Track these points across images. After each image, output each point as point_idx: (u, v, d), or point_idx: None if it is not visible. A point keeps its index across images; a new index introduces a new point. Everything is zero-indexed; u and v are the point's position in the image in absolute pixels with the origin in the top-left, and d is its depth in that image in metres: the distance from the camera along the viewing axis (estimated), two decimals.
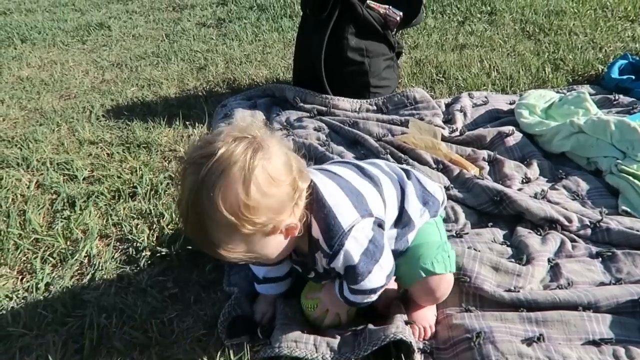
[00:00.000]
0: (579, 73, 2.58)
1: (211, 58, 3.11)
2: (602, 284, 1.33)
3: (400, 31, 2.64)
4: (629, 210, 1.57)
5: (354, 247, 1.05)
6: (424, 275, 1.16)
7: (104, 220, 1.69)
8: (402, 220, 1.18)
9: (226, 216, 0.89)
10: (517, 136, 1.93)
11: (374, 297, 1.15)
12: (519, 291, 1.29)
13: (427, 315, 1.24)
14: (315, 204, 1.04)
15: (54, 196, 1.84)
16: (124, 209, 1.75)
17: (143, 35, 3.73)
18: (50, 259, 1.53)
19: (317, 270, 1.15)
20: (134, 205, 1.76)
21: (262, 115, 2.26)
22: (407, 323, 1.19)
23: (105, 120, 2.41)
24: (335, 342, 1.16)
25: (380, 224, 1.11)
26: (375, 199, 1.12)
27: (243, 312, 1.27)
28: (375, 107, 2.25)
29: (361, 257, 1.06)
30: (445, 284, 1.20)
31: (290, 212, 0.99)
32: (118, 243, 1.60)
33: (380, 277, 1.11)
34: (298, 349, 1.14)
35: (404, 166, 1.40)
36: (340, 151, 1.93)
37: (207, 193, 0.89)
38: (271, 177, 0.92)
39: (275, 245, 1.02)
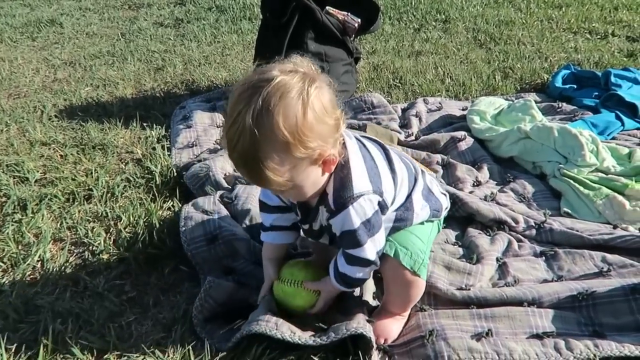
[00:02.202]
0: (526, 81, 2.72)
1: (169, 59, 3.07)
2: (545, 281, 1.42)
3: (359, 37, 2.70)
4: (569, 211, 1.67)
5: (356, 213, 1.09)
6: (402, 262, 1.18)
7: (58, 224, 1.65)
8: (405, 205, 1.23)
9: (285, 134, 0.94)
10: (469, 141, 2.02)
11: (365, 274, 1.19)
12: (469, 289, 1.36)
13: (391, 329, 1.25)
14: (340, 161, 1.09)
15: (4, 199, 1.78)
16: (79, 212, 1.71)
17: (97, 33, 3.64)
18: (1, 263, 1.49)
19: (314, 225, 1.19)
20: (90, 208, 1.73)
21: (222, 118, 2.26)
22: (368, 321, 1.22)
23: (58, 121, 2.35)
24: (297, 329, 1.18)
25: (382, 207, 1.15)
26: (388, 184, 1.16)
27: (215, 302, 1.26)
28: None
29: (360, 225, 1.10)
30: (417, 289, 1.23)
31: (333, 145, 1.04)
32: (73, 247, 1.57)
33: (372, 250, 1.15)
34: (258, 326, 1.15)
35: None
36: None
37: (267, 112, 0.93)
38: (324, 107, 0.99)
39: (314, 180, 1.06)
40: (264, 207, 1.28)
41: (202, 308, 1.25)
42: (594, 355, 1.17)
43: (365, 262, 1.16)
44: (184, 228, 1.46)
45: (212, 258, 1.39)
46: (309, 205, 1.17)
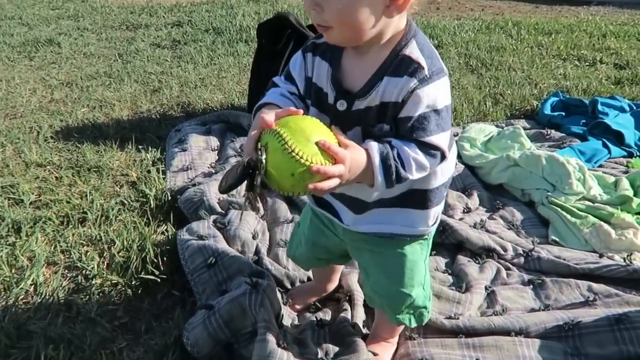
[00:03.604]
0: (516, 108, 2.77)
1: (165, 80, 3.11)
2: (533, 310, 1.44)
3: None
4: (557, 239, 1.71)
5: (446, 90, 0.92)
6: (394, 322, 1.20)
7: (52, 247, 1.66)
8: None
9: None
10: (460, 167, 2.06)
11: (425, 168, 0.93)
12: (458, 318, 1.38)
13: (382, 357, 1.26)
14: (419, 33, 0.93)
15: None
16: (73, 235, 1.72)
17: (95, 53, 3.68)
18: None
19: (359, 104, 0.93)
20: (84, 231, 1.74)
21: (217, 140, 2.29)
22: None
23: (54, 142, 2.36)
24: None
25: None
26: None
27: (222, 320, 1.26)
28: None
29: (443, 109, 0.91)
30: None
31: None
32: (66, 271, 1.58)
33: (446, 140, 0.94)
34: None
35: None
36: None
37: None
38: None
39: (375, 13, 0.86)
40: (288, 75, 1.04)
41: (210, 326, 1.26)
42: None
43: (435, 152, 0.93)
44: (184, 262, 1.47)
45: (212, 282, 1.40)
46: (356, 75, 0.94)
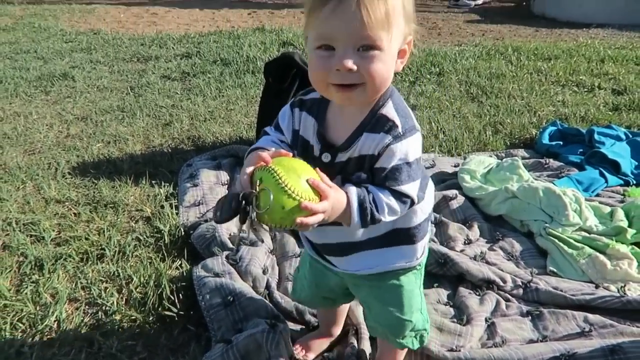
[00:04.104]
0: (516, 136, 2.86)
1: (176, 114, 3.23)
2: (531, 341, 1.51)
3: None
4: (555, 270, 1.77)
5: (417, 145, 1.03)
6: (398, 346, 1.30)
7: (73, 284, 1.75)
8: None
9: None
10: (460, 199, 2.14)
11: (397, 213, 1.04)
12: (459, 350, 1.44)
13: None
14: (395, 93, 1.05)
15: (21, 258, 1.89)
16: (93, 271, 1.81)
17: (108, 87, 3.82)
18: (20, 324, 1.58)
19: (341, 156, 1.04)
20: (102, 267, 1.83)
21: (227, 175, 2.39)
22: None
23: (71, 178, 2.47)
24: None
25: None
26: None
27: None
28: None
29: (414, 161, 1.03)
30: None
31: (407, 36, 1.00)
32: (87, 307, 1.66)
33: (415, 189, 1.05)
34: None
35: None
36: None
37: None
38: None
39: (393, 66, 1.00)
40: (277, 125, 1.15)
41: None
42: None
43: (406, 199, 1.04)
44: (200, 296, 1.56)
45: (228, 321, 1.48)
46: (336, 131, 1.06)
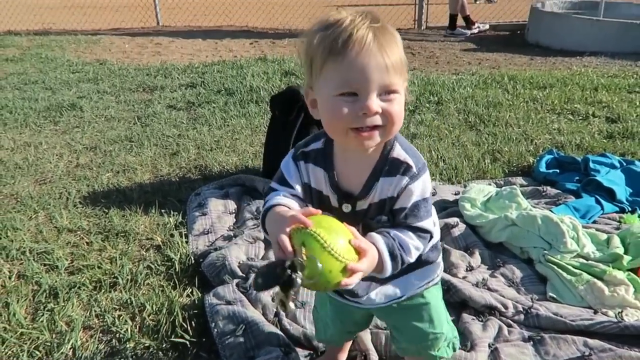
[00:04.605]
0: (514, 164, 2.94)
1: (183, 143, 3.31)
2: None
3: None
4: (555, 296, 1.83)
5: (429, 182, 1.09)
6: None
7: (87, 312, 1.80)
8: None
9: (401, 49, 1.01)
10: (462, 227, 2.21)
11: (421, 248, 1.10)
12: None
13: None
14: (398, 134, 1.09)
15: (36, 287, 1.94)
16: (106, 299, 1.87)
17: (115, 117, 3.92)
18: (36, 352, 1.63)
19: (362, 204, 1.08)
20: (115, 295, 1.88)
21: (234, 204, 2.46)
22: None
23: (82, 207, 2.54)
24: None
25: None
26: None
27: None
28: None
29: (429, 197, 1.09)
30: None
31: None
32: (102, 334, 1.71)
33: (432, 223, 1.12)
34: None
35: None
36: None
37: (390, 30, 1.01)
38: None
39: (404, 102, 1.03)
40: (283, 180, 1.12)
41: None
42: None
43: (426, 234, 1.10)
44: (213, 324, 1.61)
45: (240, 348, 1.53)
46: (357, 179, 1.08)
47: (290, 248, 0.91)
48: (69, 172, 2.97)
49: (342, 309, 1.33)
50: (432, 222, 1.11)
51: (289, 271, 0.87)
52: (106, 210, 2.49)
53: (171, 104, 4.21)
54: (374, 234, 1.05)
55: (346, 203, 1.09)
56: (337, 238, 0.92)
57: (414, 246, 1.08)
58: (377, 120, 0.99)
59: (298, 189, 1.11)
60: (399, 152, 1.08)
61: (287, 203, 1.07)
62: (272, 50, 6.36)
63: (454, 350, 1.39)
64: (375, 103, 0.97)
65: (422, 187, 1.07)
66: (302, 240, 0.90)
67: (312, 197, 1.12)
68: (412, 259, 1.08)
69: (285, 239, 0.92)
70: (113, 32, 7.77)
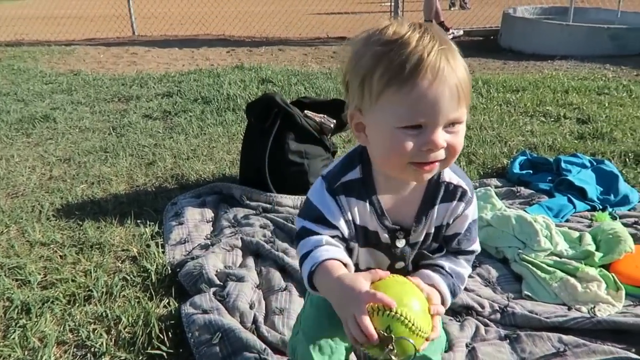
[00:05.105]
0: (488, 166, 2.99)
1: (159, 153, 3.28)
2: None
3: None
4: (530, 294, 1.86)
5: (476, 204, 1.05)
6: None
7: (61, 327, 1.76)
8: None
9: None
10: None
11: (469, 274, 1.08)
12: None
13: None
14: None
15: (7, 303, 1.89)
16: (80, 313, 1.83)
17: (89, 127, 3.86)
18: None
19: (417, 236, 1.00)
20: (90, 309, 1.85)
21: (211, 213, 2.44)
22: None
23: (56, 220, 2.49)
24: None
25: None
26: None
27: None
28: None
29: (478, 217, 1.05)
30: None
31: None
32: (76, 349, 1.67)
33: (478, 243, 1.09)
34: None
35: None
36: (284, 248, 2.13)
37: (455, 50, 0.90)
38: None
39: None
40: (322, 220, 0.97)
41: None
42: None
43: (474, 254, 1.08)
44: (190, 334, 1.59)
45: (217, 357, 1.51)
46: (407, 213, 1.01)
47: (376, 335, 0.82)
48: (42, 184, 2.91)
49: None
50: (478, 241, 1.07)
51: None
52: (80, 223, 2.44)
53: (147, 113, 4.17)
54: (433, 275, 0.99)
55: (399, 238, 1.00)
56: (419, 312, 0.86)
57: (467, 274, 1.06)
58: (441, 155, 0.90)
59: (343, 228, 0.98)
60: (450, 176, 1.01)
61: (339, 256, 0.94)
62: (249, 59, 6.36)
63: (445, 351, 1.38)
64: (441, 138, 0.87)
65: (474, 209, 1.03)
66: (387, 325, 0.83)
67: (357, 236, 1.00)
68: (464, 286, 1.06)
69: (369, 323, 0.82)
70: (87, 43, 7.68)
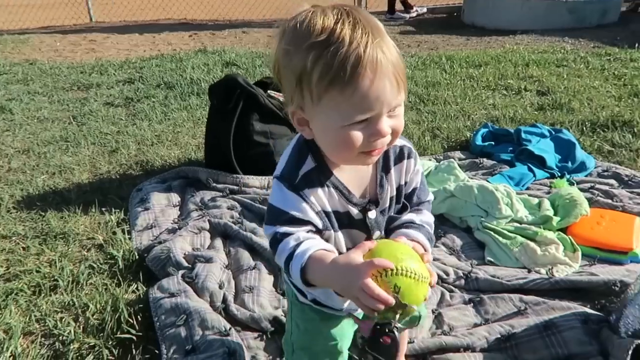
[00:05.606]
0: (452, 140, 3.04)
1: (122, 140, 3.22)
2: (475, 325, 1.64)
3: None
4: (492, 260, 1.92)
5: None
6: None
7: (27, 318, 1.73)
8: None
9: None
10: None
11: None
12: (413, 342, 1.55)
13: None
14: None
15: None
16: (46, 303, 1.80)
17: (49, 117, 3.74)
18: None
19: (383, 203, 1.04)
20: (57, 298, 1.82)
21: (178, 197, 2.42)
22: None
23: (17, 212, 2.43)
24: None
25: None
26: None
27: None
28: None
29: None
30: None
31: None
32: (43, 339, 1.65)
33: None
34: None
35: None
36: (252, 227, 2.13)
37: (387, 36, 0.91)
38: None
39: None
40: (294, 220, 0.97)
41: None
42: None
43: (430, 203, 1.13)
44: (156, 317, 1.59)
45: (180, 339, 1.52)
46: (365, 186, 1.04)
47: (392, 298, 0.84)
48: (1, 177, 2.82)
49: (352, 321, 1.19)
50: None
51: (395, 330, 0.86)
52: (43, 214, 2.39)
53: (108, 101, 4.06)
54: (409, 232, 1.03)
55: (369, 210, 1.02)
56: (414, 262, 0.88)
57: (432, 220, 1.11)
58: (388, 139, 0.93)
59: (316, 221, 0.98)
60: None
61: (323, 246, 0.95)
62: (213, 42, 6.25)
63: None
64: (386, 125, 0.90)
65: (420, 162, 1.08)
66: (393, 284, 0.85)
67: (330, 221, 1.01)
68: (433, 231, 1.10)
69: (379, 289, 0.83)
70: (42, 31, 7.38)
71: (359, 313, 1.14)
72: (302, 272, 0.92)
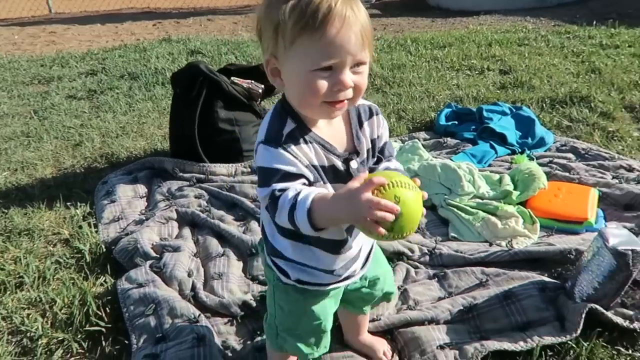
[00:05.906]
0: (417, 121, 3.09)
1: (86, 133, 3.16)
2: (440, 298, 1.69)
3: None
4: (456, 235, 1.98)
5: None
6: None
7: None
8: None
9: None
10: None
11: None
12: (380, 319, 1.59)
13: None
14: None
15: None
16: (12, 300, 1.78)
17: (8, 113, 3.64)
18: None
19: (362, 154, 1.11)
20: (23, 295, 1.80)
21: (144, 188, 2.40)
22: None
23: None
24: None
25: None
26: None
27: None
28: (249, 169, 2.52)
29: None
30: None
31: None
32: (10, 336, 1.64)
33: None
34: None
35: None
36: (220, 215, 2.14)
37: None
38: None
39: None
40: (288, 175, 1.01)
41: None
42: (480, 352, 1.43)
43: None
44: (125, 308, 1.59)
45: (149, 328, 1.53)
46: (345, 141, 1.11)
47: (397, 206, 0.88)
48: None
49: (334, 301, 1.27)
50: None
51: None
52: (5, 211, 2.34)
53: (71, 94, 3.97)
54: (390, 165, 1.14)
55: (352, 160, 1.09)
56: (406, 177, 0.95)
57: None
58: (350, 94, 0.99)
59: (307, 173, 1.02)
60: (361, 101, 1.11)
61: (321, 191, 1.01)
62: (177, 30, 6.15)
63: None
64: (349, 78, 0.97)
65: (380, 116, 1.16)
66: (392, 195, 0.89)
67: (319, 174, 1.06)
68: None
69: (386, 200, 0.88)
70: None
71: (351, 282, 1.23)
72: (308, 214, 0.96)
